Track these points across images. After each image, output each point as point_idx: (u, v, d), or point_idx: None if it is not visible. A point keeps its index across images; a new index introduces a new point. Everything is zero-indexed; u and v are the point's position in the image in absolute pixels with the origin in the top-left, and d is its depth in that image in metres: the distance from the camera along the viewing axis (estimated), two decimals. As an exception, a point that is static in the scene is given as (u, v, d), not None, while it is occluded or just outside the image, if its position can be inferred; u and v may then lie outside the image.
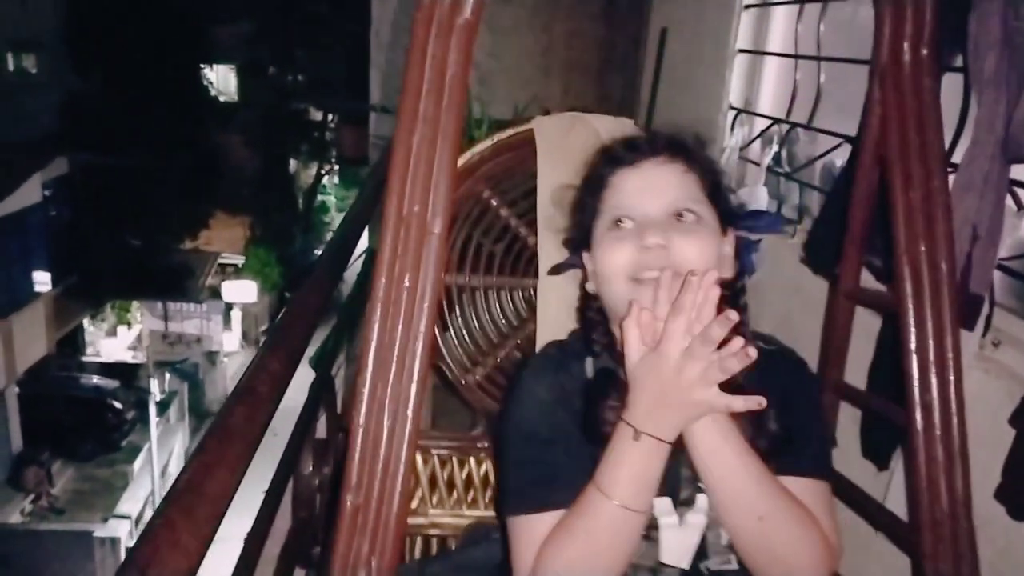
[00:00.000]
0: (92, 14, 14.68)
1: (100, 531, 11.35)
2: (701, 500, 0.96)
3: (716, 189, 1.03)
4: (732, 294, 1.03)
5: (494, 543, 1.29)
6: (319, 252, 21.37)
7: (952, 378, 1.13)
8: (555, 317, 1.33)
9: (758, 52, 2.77)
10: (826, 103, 2.24)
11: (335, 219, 23.07)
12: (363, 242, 2.22)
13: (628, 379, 0.92)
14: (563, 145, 1.43)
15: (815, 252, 2.05)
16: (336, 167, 21.84)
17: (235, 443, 0.80)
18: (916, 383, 1.14)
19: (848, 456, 1.88)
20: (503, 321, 1.54)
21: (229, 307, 18.25)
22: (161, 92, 14.73)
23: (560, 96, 4.37)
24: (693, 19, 3.30)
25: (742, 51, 2.80)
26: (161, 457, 13.13)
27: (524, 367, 1.11)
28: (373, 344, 0.95)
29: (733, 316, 0.83)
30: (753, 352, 0.84)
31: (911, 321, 1.16)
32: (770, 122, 2.53)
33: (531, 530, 0.95)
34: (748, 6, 2.79)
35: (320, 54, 18.26)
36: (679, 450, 0.92)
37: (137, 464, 13.42)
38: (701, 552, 0.97)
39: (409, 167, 0.99)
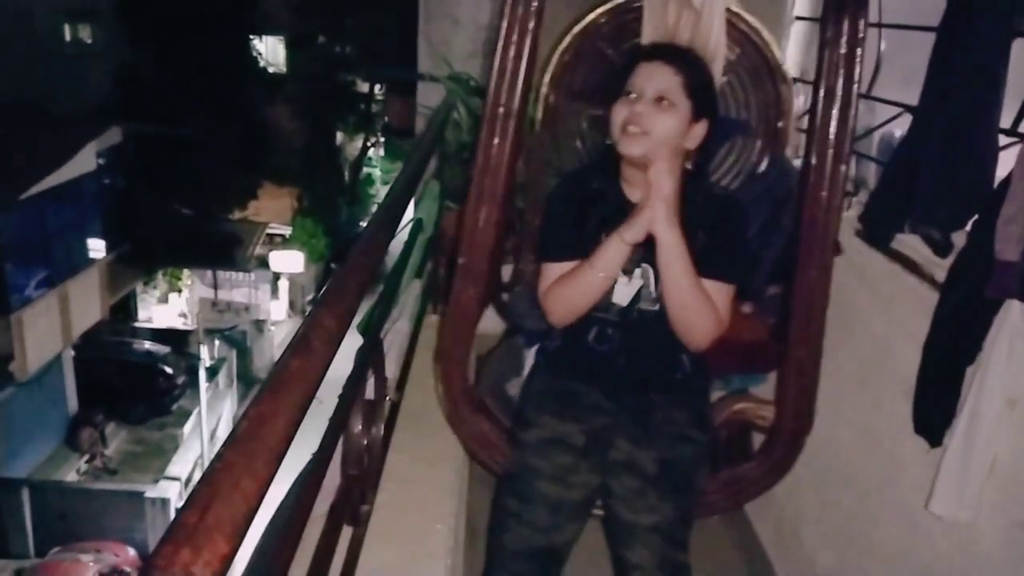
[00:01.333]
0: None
1: (151, 491, 11.69)
2: (640, 270, 1.58)
3: (696, 89, 1.54)
4: (695, 160, 1.62)
5: None
6: (363, 223, 21.51)
7: (827, 256, 1.74)
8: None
9: (816, 20, 2.69)
10: (887, 72, 2.18)
11: (380, 192, 23.16)
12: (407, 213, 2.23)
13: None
14: (663, 12, 1.86)
15: (872, 224, 2.01)
16: (382, 140, 21.91)
17: (292, 393, 0.82)
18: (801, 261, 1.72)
19: (901, 433, 1.85)
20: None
21: (276, 276, 18.52)
22: (212, 63, 14.88)
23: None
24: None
25: (799, 18, 2.73)
26: (210, 422, 13.45)
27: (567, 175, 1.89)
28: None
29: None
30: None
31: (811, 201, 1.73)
32: (827, 92, 2.46)
33: (548, 271, 1.62)
34: (806, -28, 2.72)
35: (368, 25, 18.22)
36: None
37: (187, 428, 13.77)
38: (636, 299, 1.59)
39: (501, 93, 1.62)
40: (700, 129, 1.57)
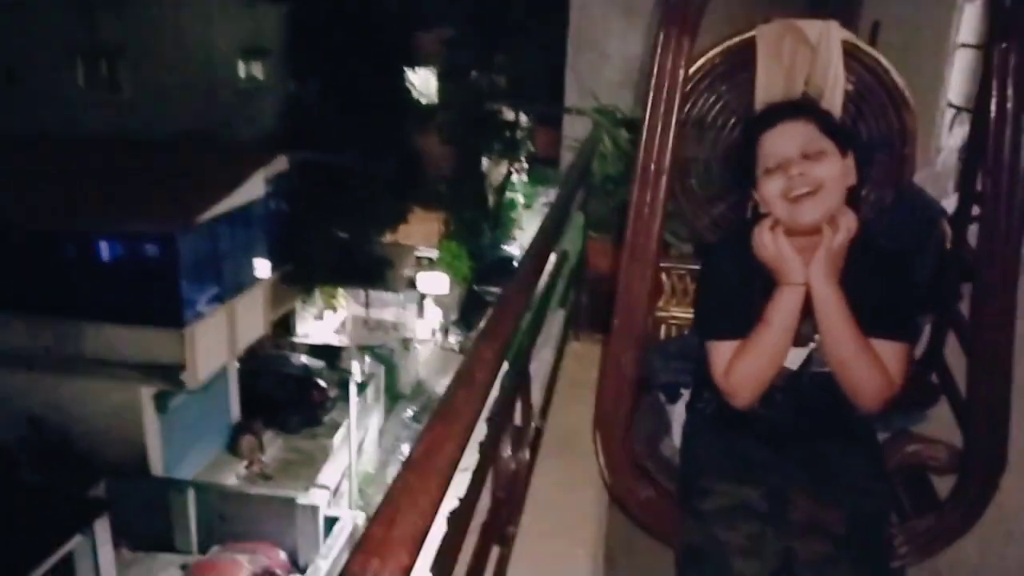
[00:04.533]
0: (310, 24, 16.00)
1: (302, 499, 12.33)
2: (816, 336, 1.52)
3: (830, 126, 1.53)
4: (853, 197, 1.53)
5: None
6: (505, 246, 21.92)
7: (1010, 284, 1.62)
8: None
9: (982, 47, 2.57)
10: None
11: (522, 215, 23.62)
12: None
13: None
14: (778, 50, 1.83)
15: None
16: (525, 166, 22.38)
17: (459, 420, 0.90)
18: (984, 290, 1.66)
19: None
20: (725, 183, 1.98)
21: (422, 297, 19.21)
22: (370, 96, 15.79)
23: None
24: (909, 12, 3.12)
25: (964, 46, 2.62)
26: (358, 434, 14.06)
27: (717, 242, 1.86)
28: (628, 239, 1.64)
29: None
30: None
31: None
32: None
33: (719, 352, 1.56)
34: (972, -2, 2.61)
35: (517, 58, 18.79)
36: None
37: (337, 439, 14.45)
38: (808, 362, 1.56)
39: (652, 150, 1.61)
40: (851, 161, 1.52)
